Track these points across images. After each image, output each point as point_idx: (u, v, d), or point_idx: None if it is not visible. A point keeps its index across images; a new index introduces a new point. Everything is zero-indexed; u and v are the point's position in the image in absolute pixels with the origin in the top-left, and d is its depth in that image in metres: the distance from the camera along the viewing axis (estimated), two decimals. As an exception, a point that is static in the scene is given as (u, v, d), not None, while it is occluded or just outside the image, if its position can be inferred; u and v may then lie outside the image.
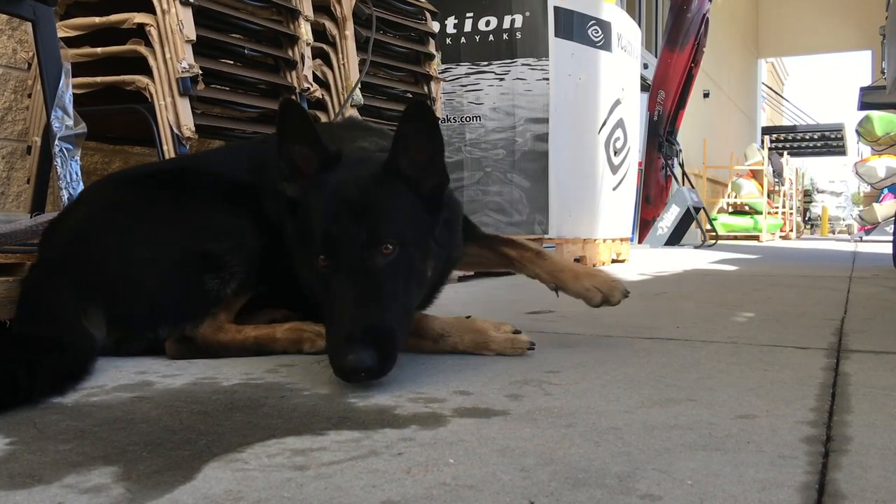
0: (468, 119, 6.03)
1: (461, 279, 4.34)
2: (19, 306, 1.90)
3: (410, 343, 1.83)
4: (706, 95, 17.68)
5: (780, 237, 19.06)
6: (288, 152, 1.76)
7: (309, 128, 1.75)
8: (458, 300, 3.32)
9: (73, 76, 2.76)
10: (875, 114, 14.75)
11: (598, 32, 6.18)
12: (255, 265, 1.93)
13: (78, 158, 2.55)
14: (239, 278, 1.91)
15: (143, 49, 3.20)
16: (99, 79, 3.28)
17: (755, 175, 17.66)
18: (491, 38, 6.04)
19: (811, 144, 25.69)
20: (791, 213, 21.58)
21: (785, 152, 21.43)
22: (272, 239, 1.93)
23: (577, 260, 5.93)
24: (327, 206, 1.67)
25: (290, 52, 3.78)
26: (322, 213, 1.67)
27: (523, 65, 5.93)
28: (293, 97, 3.79)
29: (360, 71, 4.16)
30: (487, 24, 6.06)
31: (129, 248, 1.91)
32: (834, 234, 29.98)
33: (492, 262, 2.35)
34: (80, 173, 2.54)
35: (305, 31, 3.83)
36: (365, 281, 1.60)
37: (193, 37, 3.16)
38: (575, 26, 6.02)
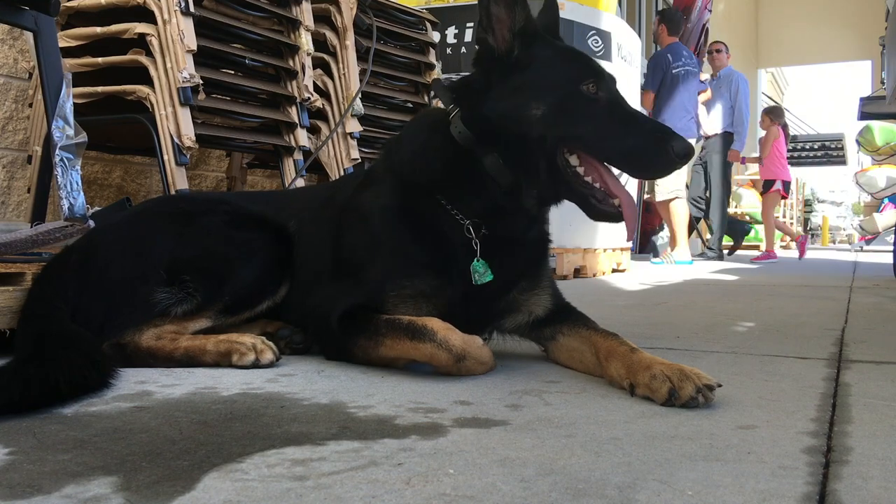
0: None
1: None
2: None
3: None
4: (706, 105, 17.68)
5: (781, 247, 19.05)
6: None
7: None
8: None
9: (74, 86, 2.77)
10: (875, 124, 14.77)
11: (598, 42, 6.20)
12: (226, 293, 2.01)
13: (78, 168, 2.56)
14: (195, 301, 1.96)
15: (143, 59, 3.21)
16: (100, 88, 3.29)
17: (755, 185, 17.66)
18: (492, 48, 6.04)
19: (811, 154, 25.66)
20: (792, 223, 21.57)
21: (785, 162, 21.43)
22: (275, 264, 2.11)
23: (577, 269, 5.93)
24: (580, 55, 2.09)
25: (291, 62, 3.80)
26: (577, 56, 2.07)
27: (524, 75, 5.93)
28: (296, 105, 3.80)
29: (361, 81, 4.17)
30: (488, 34, 6.06)
31: (110, 258, 2.01)
32: (835, 243, 29.95)
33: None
34: (80, 183, 2.54)
35: (306, 41, 3.85)
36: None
37: (194, 47, 3.17)
38: (575, 36, 6.03)
